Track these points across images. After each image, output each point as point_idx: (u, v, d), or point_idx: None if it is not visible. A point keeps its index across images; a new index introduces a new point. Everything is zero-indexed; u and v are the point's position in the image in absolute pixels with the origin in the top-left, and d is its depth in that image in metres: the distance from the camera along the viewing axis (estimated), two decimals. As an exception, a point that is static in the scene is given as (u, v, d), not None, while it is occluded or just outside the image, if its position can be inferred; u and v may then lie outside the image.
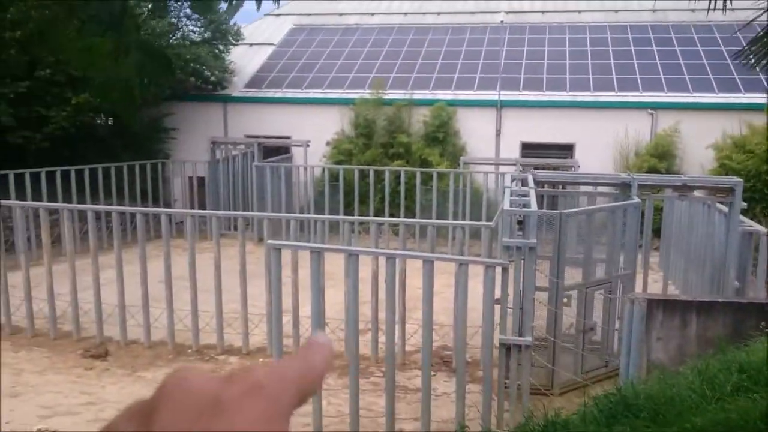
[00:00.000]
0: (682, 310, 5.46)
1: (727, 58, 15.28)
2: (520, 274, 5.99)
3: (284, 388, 0.41)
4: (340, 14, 20.91)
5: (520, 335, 5.90)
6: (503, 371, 5.95)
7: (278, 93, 16.74)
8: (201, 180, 15.20)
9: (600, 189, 9.15)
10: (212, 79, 16.53)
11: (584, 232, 7.40)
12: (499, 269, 5.74)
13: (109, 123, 15.94)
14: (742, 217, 8.15)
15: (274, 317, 6.02)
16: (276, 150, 15.16)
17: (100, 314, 7.97)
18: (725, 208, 7.94)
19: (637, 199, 7.40)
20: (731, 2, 5.61)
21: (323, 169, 14.40)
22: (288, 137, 15.54)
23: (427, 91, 16.06)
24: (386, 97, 15.44)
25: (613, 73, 16.04)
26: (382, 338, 6.66)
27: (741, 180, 7.91)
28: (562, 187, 9.46)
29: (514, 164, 13.17)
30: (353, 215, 12.53)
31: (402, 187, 13.72)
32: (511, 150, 14.95)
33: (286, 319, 6.44)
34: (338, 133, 15.61)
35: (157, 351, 7.83)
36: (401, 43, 18.60)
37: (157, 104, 15.64)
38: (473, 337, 6.66)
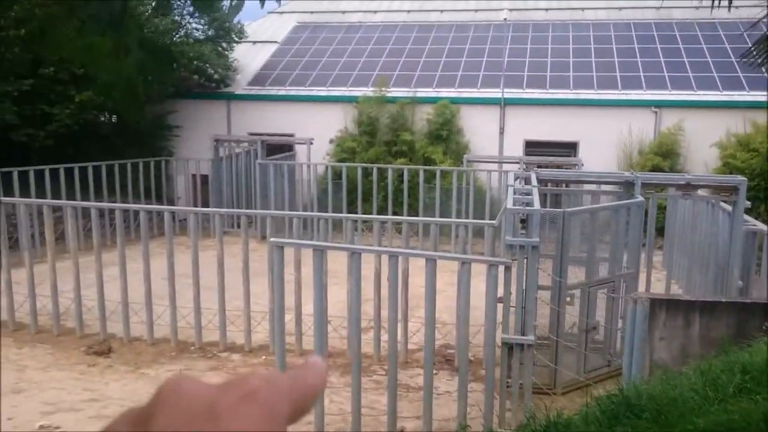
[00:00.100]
0: (685, 310, 5.44)
1: (732, 55, 15.23)
2: (522, 273, 5.99)
3: (279, 398, 0.41)
4: (344, 12, 20.90)
5: (523, 334, 5.90)
6: (505, 370, 5.95)
7: (281, 91, 16.73)
8: (204, 178, 15.21)
9: (603, 187, 9.13)
10: (216, 76, 16.54)
11: (587, 230, 7.38)
12: (501, 268, 5.74)
13: (113, 120, 15.96)
14: (746, 216, 8.13)
15: (276, 315, 6.03)
16: (279, 148, 15.16)
17: (104, 311, 8.00)
18: (729, 207, 7.91)
19: (640, 198, 7.38)
20: (735, 0, 5.59)
21: (326, 167, 14.40)
22: (291, 135, 15.53)
23: (430, 89, 16.04)
24: (389, 94, 15.43)
25: (617, 70, 15.99)
26: (384, 336, 6.67)
27: (745, 179, 7.88)
28: (566, 186, 9.45)
29: (518, 162, 13.16)
30: (356, 213, 12.54)
31: (405, 185, 13.71)
32: (514, 148, 14.93)
33: (289, 316, 6.45)
34: (341, 130, 15.60)
35: (160, 348, 7.86)
36: (404, 40, 18.57)
37: (161, 102, 15.68)
38: (475, 336, 6.66)
